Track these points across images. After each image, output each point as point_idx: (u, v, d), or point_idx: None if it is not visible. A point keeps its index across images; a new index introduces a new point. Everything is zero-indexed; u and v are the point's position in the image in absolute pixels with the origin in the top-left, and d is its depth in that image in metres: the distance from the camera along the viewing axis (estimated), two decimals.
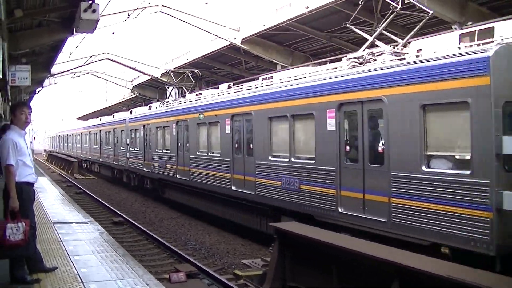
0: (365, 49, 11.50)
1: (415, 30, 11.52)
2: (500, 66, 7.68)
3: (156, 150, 23.12)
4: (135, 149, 26.82)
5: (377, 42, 11.67)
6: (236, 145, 15.48)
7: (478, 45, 8.55)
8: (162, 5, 24.39)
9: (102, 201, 23.76)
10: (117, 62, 35.43)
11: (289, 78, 13.29)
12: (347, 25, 12.74)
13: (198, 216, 19.29)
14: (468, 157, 8.13)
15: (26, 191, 7.08)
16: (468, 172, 7.99)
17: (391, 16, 11.48)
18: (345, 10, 17.55)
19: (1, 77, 12.52)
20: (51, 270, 7.71)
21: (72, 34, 14.46)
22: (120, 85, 43.24)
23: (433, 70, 8.54)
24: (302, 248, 9.35)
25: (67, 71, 34.95)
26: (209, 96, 18.37)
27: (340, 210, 10.56)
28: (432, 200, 8.49)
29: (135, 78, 40.28)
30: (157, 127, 23.20)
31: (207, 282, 10.92)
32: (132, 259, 8.99)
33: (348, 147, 10.74)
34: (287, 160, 12.53)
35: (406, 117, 9.07)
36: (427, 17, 11.59)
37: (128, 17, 23.77)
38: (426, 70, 8.67)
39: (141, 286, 7.14)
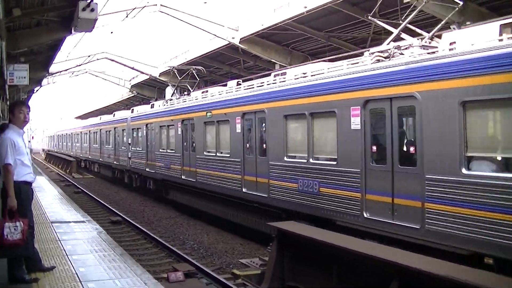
0: (389, 42, 10.72)
1: (442, 23, 10.79)
2: None
3: (160, 150, 22.33)
4: (137, 148, 26.04)
5: (403, 35, 10.94)
6: (247, 145, 14.72)
7: None
8: (161, 5, 24.36)
9: (101, 201, 23.76)
10: (116, 62, 35.43)
11: (304, 74, 12.47)
12: (369, 17, 12.18)
13: (197, 216, 19.28)
14: None
15: (24, 190, 7.07)
16: None
17: (419, 8, 10.98)
18: (344, 10, 17.54)
19: None
20: (49, 270, 7.70)
21: (71, 33, 14.42)
22: (118, 85, 43.21)
23: (476, 64, 7.81)
24: (301, 248, 9.35)
25: (66, 70, 34.94)
26: (216, 93, 17.48)
27: (365, 215, 9.82)
28: (474, 206, 7.77)
29: (133, 78, 40.25)
30: (160, 126, 22.37)
31: (205, 281, 10.91)
32: (130, 259, 8.98)
33: (374, 148, 10.00)
34: (305, 161, 11.81)
35: (443, 115, 8.35)
36: (456, 8, 11.14)
37: (127, 17, 23.73)
38: (468, 63, 7.95)
39: (139, 285, 7.13)
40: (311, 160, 11.64)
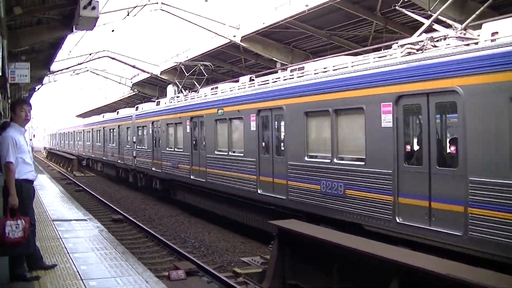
0: (421, 33, 10.05)
1: (477, 13, 10.08)
2: None
3: (167, 149, 21.50)
4: (143, 147, 25.30)
5: (436, 26, 10.25)
6: (263, 143, 13.94)
7: None
8: (162, 3, 24.36)
9: (102, 199, 23.79)
10: (117, 60, 35.43)
11: (325, 68, 11.77)
12: (397, 7, 11.40)
13: (198, 214, 19.29)
14: None
15: (26, 189, 7.07)
16: None
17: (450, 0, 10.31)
18: (345, 8, 17.54)
19: (0, 74, 12.52)
20: (50, 268, 7.71)
21: (72, 31, 14.44)
22: (119, 83, 43.22)
23: None
24: (302, 246, 9.36)
25: (67, 68, 34.94)
26: (227, 90, 16.69)
27: (397, 220, 9.07)
28: None
29: (134, 76, 40.26)
30: (167, 124, 21.58)
31: (206, 279, 10.93)
32: (132, 257, 8.99)
33: (408, 147, 9.36)
34: (329, 161, 11.01)
35: (490, 111, 7.60)
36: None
37: (128, 15, 23.74)
38: None
39: (140, 283, 7.14)
40: (335, 160, 10.88)
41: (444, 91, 8.34)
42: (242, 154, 14.89)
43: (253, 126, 14.16)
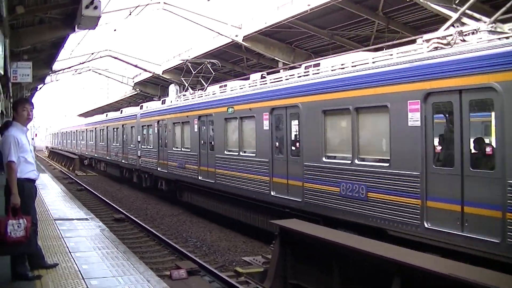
0: (448, 27, 9.64)
1: (507, 5, 9.43)
2: None
3: (173, 149, 20.88)
4: (148, 147, 24.66)
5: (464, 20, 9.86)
6: (277, 143, 13.34)
7: None
8: (164, 2, 24.35)
9: (104, 198, 23.80)
10: (119, 59, 35.43)
11: (342, 65, 11.19)
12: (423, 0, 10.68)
13: (200, 214, 19.30)
14: None
15: (28, 188, 7.08)
16: None
17: None
18: (347, 8, 17.52)
19: (2, 73, 12.51)
20: (52, 267, 7.73)
21: (74, 31, 14.45)
22: (121, 82, 43.26)
23: None
24: (304, 246, 9.36)
25: (69, 68, 34.98)
26: (237, 87, 16.01)
27: (426, 225, 8.57)
28: None
29: (136, 75, 40.27)
30: (174, 123, 20.96)
31: (208, 279, 10.92)
32: (133, 256, 9.01)
33: (438, 147, 8.81)
34: (349, 162, 10.46)
35: None
36: None
37: (130, 14, 23.75)
38: None
39: (142, 282, 7.15)
40: (356, 161, 10.32)
41: (480, 87, 7.85)
42: (254, 155, 14.31)
43: (266, 125, 13.64)
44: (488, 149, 8.16)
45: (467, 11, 10.38)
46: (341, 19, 19.33)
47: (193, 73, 22.19)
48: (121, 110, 33.04)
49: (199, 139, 18.27)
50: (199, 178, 18.00)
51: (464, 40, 8.85)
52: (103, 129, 36.51)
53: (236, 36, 23.19)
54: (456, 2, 10.40)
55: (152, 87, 41.30)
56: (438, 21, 16.76)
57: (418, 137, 8.79)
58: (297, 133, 12.62)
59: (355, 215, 10.18)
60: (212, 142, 17.24)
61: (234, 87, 16.32)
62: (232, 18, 25.02)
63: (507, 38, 8.01)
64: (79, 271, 7.67)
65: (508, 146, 7.43)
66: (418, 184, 8.75)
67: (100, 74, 42.16)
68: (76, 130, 51.35)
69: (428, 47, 9.22)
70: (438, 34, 9.40)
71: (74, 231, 11.20)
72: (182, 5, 24.96)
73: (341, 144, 11.24)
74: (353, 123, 10.42)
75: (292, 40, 23.45)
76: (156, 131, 23.35)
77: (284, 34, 22.53)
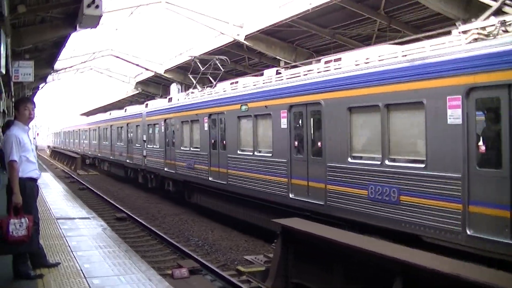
0: (488, 16, 9.12)
1: None
2: None
3: (182, 148, 20.11)
4: (154, 146, 23.84)
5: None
6: (296, 142, 12.60)
7: None
8: (166, 2, 24.39)
9: (105, 197, 23.81)
10: (121, 58, 35.50)
11: (367, 59, 10.44)
12: None
13: (201, 213, 19.31)
14: None
15: (30, 187, 7.08)
16: None
17: None
18: (349, 7, 17.52)
19: (4, 73, 12.56)
20: (54, 266, 7.72)
21: (75, 30, 14.49)
22: (123, 81, 43.33)
23: None
24: (305, 245, 9.35)
25: (70, 67, 35.05)
26: (250, 84, 15.18)
27: (468, 232, 7.92)
28: None
29: (138, 75, 40.34)
30: (182, 122, 20.15)
31: (209, 278, 10.93)
32: (135, 255, 8.99)
33: (483, 147, 8.05)
34: (378, 163, 9.76)
35: None
36: None
37: (132, 14, 23.79)
38: None
39: (143, 281, 7.14)
40: (386, 162, 9.60)
41: None
42: (270, 155, 13.60)
43: (283, 123, 12.91)
44: None
45: (507, 1, 9.82)
46: (343, 18, 19.34)
47: (202, 70, 21.32)
48: (125, 109, 32.28)
49: (209, 138, 17.55)
50: (210, 179, 17.28)
51: (506, 31, 8.20)
52: (106, 128, 35.73)
53: (238, 35, 23.22)
54: None
55: (154, 86, 41.39)
56: (440, 20, 16.81)
57: (459, 136, 8.12)
58: (319, 131, 11.84)
59: (385, 220, 9.50)
60: (224, 142, 16.48)
61: (247, 84, 15.51)
62: (234, 17, 24.98)
63: None
64: (81, 270, 7.66)
65: None
66: (459, 187, 8.10)
67: (101, 73, 42.27)
68: (79, 129, 50.66)
69: (466, 39, 8.51)
70: (477, 25, 8.78)
71: (76, 230, 11.20)
72: (184, 4, 24.91)
73: (369, 144, 10.51)
74: (383, 121, 9.70)
75: (294, 39, 23.47)
76: (163, 130, 22.62)
77: (285, 33, 22.55)
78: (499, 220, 7.52)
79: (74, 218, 12.77)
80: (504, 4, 9.56)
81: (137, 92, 44.15)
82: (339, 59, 11.57)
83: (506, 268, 6.75)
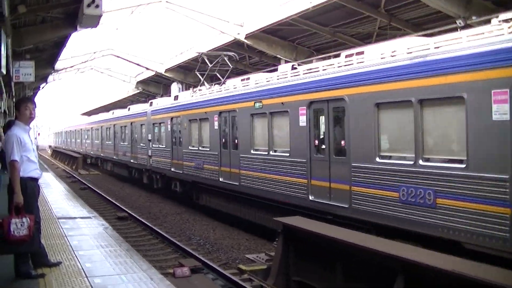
0: None
1: None
2: None
3: (190, 148, 19.35)
4: (160, 146, 23.15)
5: None
6: (316, 141, 11.94)
7: None
8: (166, 1, 24.38)
9: (107, 197, 23.83)
10: (121, 58, 35.51)
11: (393, 51, 9.76)
12: None
13: (203, 212, 19.32)
14: None
15: (31, 187, 7.09)
16: None
17: None
18: (349, 5, 17.51)
19: (5, 73, 12.57)
20: (55, 265, 7.73)
21: (76, 30, 14.50)
22: (124, 81, 43.36)
23: None
24: (307, 243, 9.36)
25: (71, 67, 35.08)
26: (263, 80, 14.46)
27: None
28: None
29: (139, 74, 40.36)
30: (190, 120, 19.39)
31: (211, 277, 10.93)
32: (137, 254, 9.00)
33: None
34: (411, 163, 9.04)
35: None
36: None
37: (132, 13, 23.80)
38: None
39: (145, 280, 7.15)
40: (420, 162, 8.88)
41: None
42: (288, 154, 12.86)
43: (302, 121, 12.18)
44: None
45: None
46: (343, 17, 19.32)
47: (210, 66, 20.37)
48: (129, 108, 31.71)
49: (220, 137, 16.79)
50: (220, 179, 16.61)
51: None
52: (109, 128, 35.10)
53: (238, 34, 23.21)
54: None
55: (155, 85, 41.41)
56: (440, 17, 16.79)
57: (507, 133, 7.40)
58: (342, 129, 11.13)
59: (419, 224, 8.78)
60: (236, 141, 15.73)
61: (259, 80, 14.75)
62: (234, 16, 24.96)
63: None
64: (82, 269, 7.67)
65: None
66: (507, 190, 7.39)
67: (102, 73, 42.29)
68: (81, 129, 50.12)
69: (509, 28, 7.83)
70: None
71: (77, 229, 11.21)
72: (184, 4, 24.91)
73: (399, 142, 9.80)
74: (416, 118, 8.98)
75: (294, 38, 23.45)
76: (169, 129, 21.86)
77: (286, 32, 22.53)
78: None
79: (75, 218, 12.79)
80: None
81: (138, 91, 44.18)
82: (362, 52, 10.92)
83: None
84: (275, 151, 13.67)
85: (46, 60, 21.62)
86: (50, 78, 33.90)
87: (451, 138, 8.79)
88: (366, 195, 10.03)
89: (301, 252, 9.60)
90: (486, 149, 7.76)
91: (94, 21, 11.57)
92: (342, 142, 11.07)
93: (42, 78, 28.25)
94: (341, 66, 11.12)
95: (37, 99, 41.77)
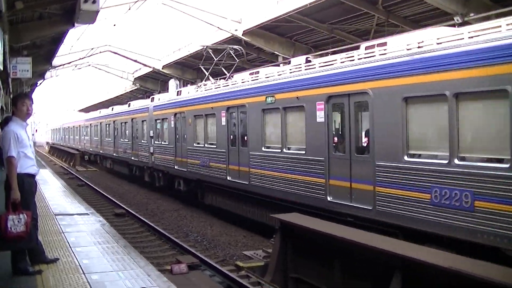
0: None
1: None
2: None
3: (195, 145, 18.55)
4: (163, 142, 22.30)
5: None
6: (335, 138, 11.33)
7: None
8: None
9: (104, 193, 23.80)
10: (119, 54, 35.46)
11: (420, 43, 9.11)
12: None
13: (200, 208, 19.32)
14: None
15: (28, 183, 7.08)
16: None
17: None
18: (347, 2, 17.50)
19: (2, 69, 12.53)
20: (52, 262, 7.72)
21: (73, 26, 14.49)
22: (121, 77, 43.32)
23: None
24: (304, 240, 9.36)
25: (69, 63, 35.00)
26: (275, 74, 13.69)
27: None
28: None
29: (136, 70, 40.34)
30: (195, 116, 18.55)
31: (208, 273, 10.93)
32: (134, 251, 8.99)
33: None
34: (445, 162, 8.32)
35: None
36: None
37: (129, 9, 23.72)
38: None
39: (142, 277, 7.14)
40: (456, 162, 8.17)
41: None
42: (304, 152, 12.12)
43: (320, 116, 11.41)
44: None
45: None
46: (341, 13, 19.33)
47: (215, 60, 19.59)
48: (129, 103, 31.07)
49: (227, 133, 15.99)
50: (228, 178, 15.79)
51: None
52: (109, 124, 34.16)
53: (236, 30, 23.21)
54: None
55: (152, 82, 41.40)
56: (438, 14, 16.80)
57: None
58: (366, 125, 10.48)
59: (455, 229, 8.11)
60: (246, 137, 14.96)
61: (271, 73, 13.97)
62: (231, 12, 24.96)
63: None
64: (80, 266, 7.66)
65: None
66: None
67: (100, 69, 42.23)
68: (79, 125, 49.36)
69: None
70: None
71: (75, 226, 11.20)
72: (182, 0, 24.84)
73: (431, 140, 9.09)
74: (451, 113, 8.25)
75: (292, 34, 23.46)
76: (172, 125, 20.99)
77: (284, 29, 22.53)
78: None
79: (72, 214, 12.77)
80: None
81: (135, 87, 44.16)
82: (385, 43, 10.28)
83: None
84: (289, 148, 12.96)
85: (43, 56, 21.57)
86: (48, 74, 33.81)
87: (492, 136, 7.97)
88: (392, 196, 9.35)
89: (298, 249, 9.61)
90: None
91: (91, 17, 11.55)
92: (365, 140, 10.56)
93: (39, 74, 28.19)
94: (361, 58, 10.46)
95: (34, 95, 41.74)
